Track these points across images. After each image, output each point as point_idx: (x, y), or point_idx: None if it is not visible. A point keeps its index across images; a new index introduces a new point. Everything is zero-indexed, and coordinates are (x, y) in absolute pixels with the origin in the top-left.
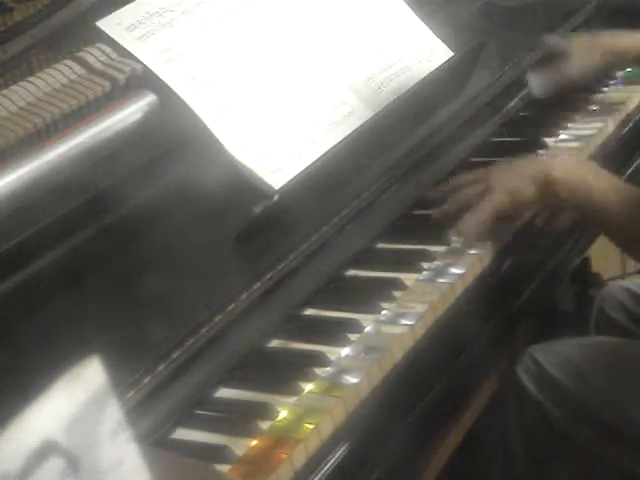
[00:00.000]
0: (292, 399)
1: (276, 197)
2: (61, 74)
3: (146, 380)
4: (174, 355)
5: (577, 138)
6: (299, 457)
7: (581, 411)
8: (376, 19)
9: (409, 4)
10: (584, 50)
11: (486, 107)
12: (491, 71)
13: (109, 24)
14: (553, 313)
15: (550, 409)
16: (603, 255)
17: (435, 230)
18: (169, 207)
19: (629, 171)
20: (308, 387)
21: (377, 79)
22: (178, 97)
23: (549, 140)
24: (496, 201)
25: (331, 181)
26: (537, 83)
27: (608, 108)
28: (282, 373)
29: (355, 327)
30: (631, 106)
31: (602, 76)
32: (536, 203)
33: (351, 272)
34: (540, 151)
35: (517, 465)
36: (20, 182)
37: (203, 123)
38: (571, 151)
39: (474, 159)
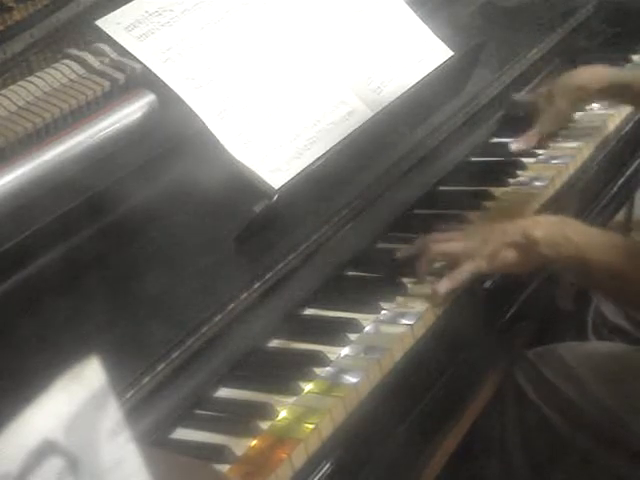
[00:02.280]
0: (292, 399)
1: (276, 197)
2: (61, 74)
3: (146, 380)
4: (174, 355)
5: (576, 138)
6: (299, 457)
7: (580, 418)
8: (376, 19)
9: (409, 4)
10: (550, 100)
11: (486, 107)
12: (491, 71)
13: (109, 23)
14: (553, 313)
15: (549, 414)
16: None
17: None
18: (169, 207)
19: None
20: (308, 387)
21: (377, 79)
22: (178, 97)
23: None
24: (473, 269)
25: (331, 181)
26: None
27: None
28: (282, 373)
29: (355, 327)
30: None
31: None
32: (520, 267)
33: (351, 272)
34: (539, 151)
35: (516, 470)
36: (20, 182)
37: (203, 123)
38: (571, 150)
39: (474, 159)
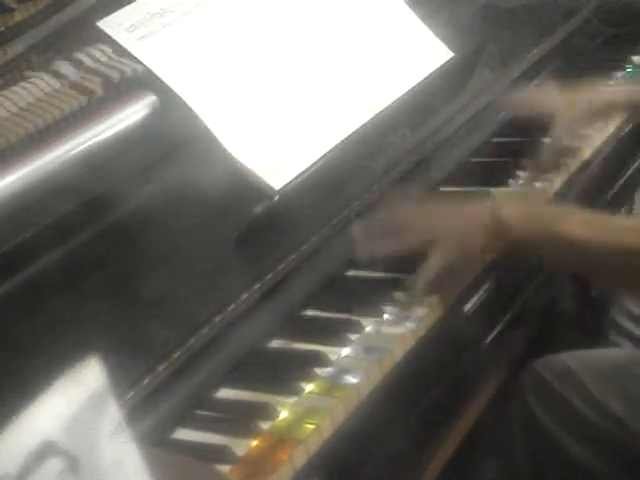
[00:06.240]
0: (292, 399)
1: (276, 197)
2: (62, 74)
3: (146, 380)
4: (174, 355)
5: (576, 137)
6: (299, 457)
7: (584, 427)
8: (376, 19)
9: (409, 4)
10: (568, 112)
11: (486, 107)
12: (491, 71)
13: (110, 24)
14: (554, 312)
15: (553, 427)
16: None
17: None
18: (170, 208)
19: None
20: (308, 387)
21: (377, 80)
22: (179, 98)
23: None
24: (443, 257)
25: (331, 182)
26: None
27: None
28: (282, 373)
29: (355, 327)
30: None
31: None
32: (488, 250)
33: (351, 272)
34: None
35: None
36: (20, 183)
37: (204, 123)
38: (572, 150)
39: (475, 159)
